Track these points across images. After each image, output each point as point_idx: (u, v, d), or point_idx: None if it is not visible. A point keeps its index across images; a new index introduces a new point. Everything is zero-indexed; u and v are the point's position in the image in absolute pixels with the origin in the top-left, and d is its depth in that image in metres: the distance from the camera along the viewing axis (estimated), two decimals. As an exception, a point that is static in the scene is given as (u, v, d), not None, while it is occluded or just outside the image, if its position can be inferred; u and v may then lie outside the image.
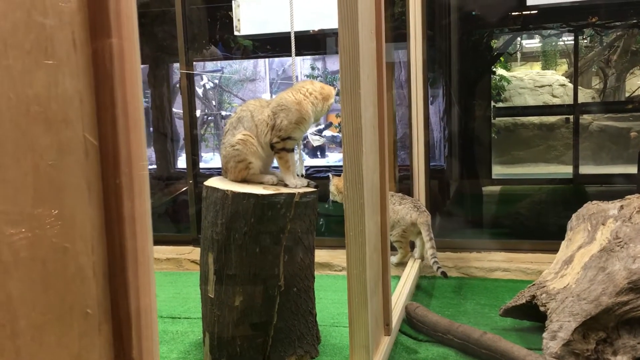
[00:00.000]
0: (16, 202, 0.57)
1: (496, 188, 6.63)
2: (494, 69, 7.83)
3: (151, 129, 5.96)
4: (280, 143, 2.40)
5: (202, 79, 8.97)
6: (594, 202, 2.77)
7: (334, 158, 9.33)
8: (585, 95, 9.30)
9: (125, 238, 0.70)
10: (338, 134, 9.38)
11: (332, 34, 5.43)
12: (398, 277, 3.18)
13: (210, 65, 8.95)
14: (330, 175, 3.80)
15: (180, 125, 6.08)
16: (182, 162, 6.33)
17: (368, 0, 2.10)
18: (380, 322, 2.33)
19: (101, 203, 0.69)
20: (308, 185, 2.45)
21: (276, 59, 10.22)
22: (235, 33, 4.33)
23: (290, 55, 2.92)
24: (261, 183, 2.45)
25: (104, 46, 0.68)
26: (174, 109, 6.20)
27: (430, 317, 2.62)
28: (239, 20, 4.21)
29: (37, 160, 0.60)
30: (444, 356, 2.42)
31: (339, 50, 1.87)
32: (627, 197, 2.64)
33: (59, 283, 0.63)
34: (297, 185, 2.41)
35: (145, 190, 0.73)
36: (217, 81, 9.55)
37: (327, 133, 9.29)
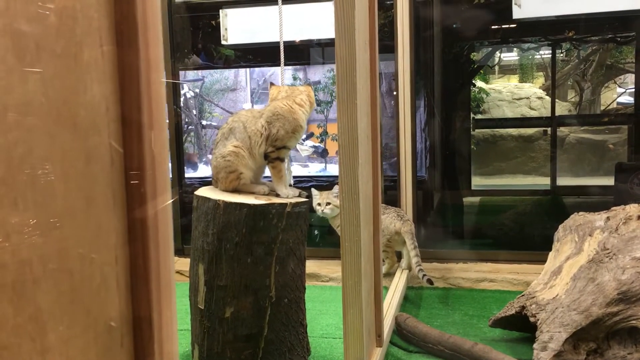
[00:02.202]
0: (46, 211, 0.55)
1: (476, 199, 6.70)
2: (474, 81, 7.94)
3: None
4: (275, 152, 2.39)
5: (182, 88, 8.91)
6: (580, 213, 2.80)
7: (315, 168, 9.33)
8: (562, 108, 9.46)
9: (149, 248, 0.68)
10: (319, 144, 9.39)
11: (316, 44, 5.45)
12: (387, 288, 3.18)
13: (190, 74, 8.91)
14: (314, 191, 3.73)
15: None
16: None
17: (363, 12, 2.11)
18: (373, 334, 2.32)
19: (125, 212, 0.67)
20: (299, 196, 2.44)
21: (257, 69, 10.22)
22: (223, 42, 4.31)
23: (272, 65, 2.92)
24: (252, 193, 2.43)
25: (130, 53, 0.66)
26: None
27: (421, 328, 2.61)
28: (226, 29, 4.19)
29: (66, 167, 0.58)
30: (436, 367, 2.42)
31: (335, 61, 1.87)
32: (612, 208, 2.68)
33: (85, 295, 0.61)
34: (289, 195, 2.40)
35: (168, 200, 0.72)
36: (197, 90, 9.51)
37: (309, 143, 9.30)
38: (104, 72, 0.64)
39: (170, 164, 4.20)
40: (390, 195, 4.05)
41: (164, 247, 0.71)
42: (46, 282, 0.55)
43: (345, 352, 1.99)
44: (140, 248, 0.69)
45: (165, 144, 0.71)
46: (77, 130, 0.60)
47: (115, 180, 0.66)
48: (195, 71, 8.44)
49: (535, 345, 2.27)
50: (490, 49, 7.74)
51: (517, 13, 3.63)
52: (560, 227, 2.85)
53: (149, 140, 0.68)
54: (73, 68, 0.59)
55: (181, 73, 8.11)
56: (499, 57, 9.74)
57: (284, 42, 2.85)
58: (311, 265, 3.63)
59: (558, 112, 8.44)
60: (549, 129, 7.55)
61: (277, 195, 2.42)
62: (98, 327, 0.63)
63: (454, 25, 5.68)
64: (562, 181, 7.72)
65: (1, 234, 0.50)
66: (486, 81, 10.00)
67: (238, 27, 4.20)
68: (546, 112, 9.61)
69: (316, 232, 4.59)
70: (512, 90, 10.31)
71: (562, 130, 9.02)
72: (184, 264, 3.70)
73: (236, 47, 5.02)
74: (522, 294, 2.62)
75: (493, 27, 5.64)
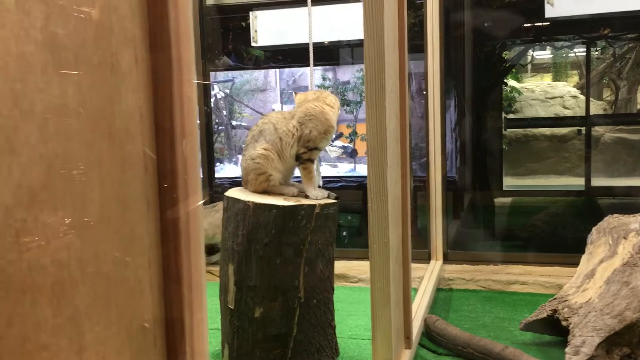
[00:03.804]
0: (84, 217, 0.58)
1: (507, 200, 6.61)
2: (506, 80, 7.83)
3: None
4: (307, 153, 2.41)
5: (213, 89, 9.01)
6: (615, 215, 2.75)
7: (344, 168, 9.33)
8: (596, 107, 9.27)
9: (180, 252, 0.70)
10: (348, 144, 9.39)
11: (346, 45, 5.45)
12: (416, 289, 3.17)
13: (221, 75, 9.00)
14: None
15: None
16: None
17: (392, 13, 2.11)
18: (401, 335, 2.32)
19: (158, 217, 0.70)
20: (328, 197, 2.45)
21: (286, 70, 10.27)
22: (253, 44, 4.35)
23: (302, 66, 2.94)
24: (282, 194, 2.45)
25: (164, 62, 0.68)
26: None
27: (450, 330, 2.60)
28: (256, 31, 4.23)
29: (102, 175, 0.60)
30: (465, 370, 2.41)
31: (364, 62, 1.88)
32: (648, 210, 2.62)
33: (120, 297, 0.63)
34: (318, 197, 2.42)
35: (199, 205, 0.74)
36: (227, 91, 9.60)
37: (338, 143, 9.30)
38: (137, 81, 0.66)
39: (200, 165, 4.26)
40: (421, 196, 4.03)
41: (195, 250, 0.73)
42: (84, 285, 0.58)
43: (373, 354, 2.00)
44: (172, 251, 0.71)
45: (196, 149, 0.73)
46: (113, 138, 0.62)
47: (149, 186, 0.68)
48: (226, 72, 8.53)
49: (567, 350, 2.23)
50: (522, 47, 7.63)
51: (550, 12, 3.58)
52: (594, 229, 2.80)
53: (181, 147, 0.70)
54: (109, 78, 0.62)
55: (212, 74, 8.21)
56: (532, 55, 9.59)
57: (314, 43, 2.87)
58: (340, 266, 3.64)
59: (593, 112, 8.27)
60: (583, 129, 7.42)
61: (307, 197, 2.44)
62: (132, 327, 0.65)
63: (485, 24, 5.62)
64: (597, 182, 7.56)
65: (42, 238, 0.52)
66: (519, 80, 9.85)
67: (268, 28, 4.23)
68: (580, 112, 9.42)
69: (344, 233, 4.60)
70: (545, 89, 10.13)
71: (597, 130, 8.84)
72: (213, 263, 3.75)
73: (266, 49, 5.06)
74: (554, 297, 2.59)
75: (525, 25, 5.56)
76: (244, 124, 9.84)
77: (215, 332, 2.76)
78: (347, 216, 4.77)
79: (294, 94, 2.65)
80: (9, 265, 0.48)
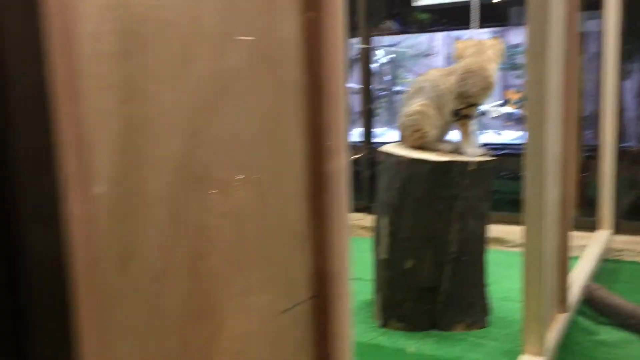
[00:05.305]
0: (246, 132, 0.69)
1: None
2: None
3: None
4: (466, 109, 2.41)
5: (376, 54, 9.06)
6: None
7: (510, 136, 8.93)
8: None
9: (325, 165, 0.79)
10: (516, 110, 8.95)
11: (516, 3, 5.18)
12: (578, 257, 3.01)
13: (386, 39, 9.00)
14: None
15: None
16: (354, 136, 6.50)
17: (560, -39, 2.00)
18: (556, 298, 2.25)
19: (308, 136, 0.79)
20: (485, 155, 2.42)
21: (453, 33, 9.98)
22: (413, 4, 4.33)
23: (468, 28, 2.87)
24: (437, 150, 2.47)
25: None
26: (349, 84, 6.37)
27: (613, 299, 2.46)
28: (418, -11, 4.20)
29: (261, 97, 0.71)
30: (628, 341, 2.27)
31: (526, 13, 1.82)
32: None
33: (276, 202, 0.74)
34: (474, 154, 2.40)
35: (345, 156, 0.82)
36: (392, 56, 9.59)
37: (506, 109, 8.90)
38: (292, 14, 0.75)
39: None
40: (592, 164, 3.76)
41: (337, 167, 0.82)
42: (244, 188, 0.69)
43: (523, 311, 1.98)
44: (319, 166, 0.80)
45: (342, 101, 0.81)
46: (269, 63, 0.72)
47: (300, 111, 0.78)
48: (391, 36, 8.53)
49: None
50: None
51: None
52: None
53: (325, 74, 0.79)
54: (267, 8, 0.71)
55: (377, 39, 8.27)
56: None
57: (481, 2, 2.79)
58: (499, 230, 3.55)
59: None
60: None
61: (462, 154, 2.43)
62: (286, 230, 0.76)
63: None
64: None
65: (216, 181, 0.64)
66: None
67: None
68: None
69: (505, 198, 4.45)
70: None
71: None
72: (370, 221, 3.87)
73: (427, 9, 4.98)
74: None
75: None
76: (406, 89, 9.81)
77: (367, 283, 2.88)
78: (509, 182, 4.62)
79: (455, 41, 2.61)
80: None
